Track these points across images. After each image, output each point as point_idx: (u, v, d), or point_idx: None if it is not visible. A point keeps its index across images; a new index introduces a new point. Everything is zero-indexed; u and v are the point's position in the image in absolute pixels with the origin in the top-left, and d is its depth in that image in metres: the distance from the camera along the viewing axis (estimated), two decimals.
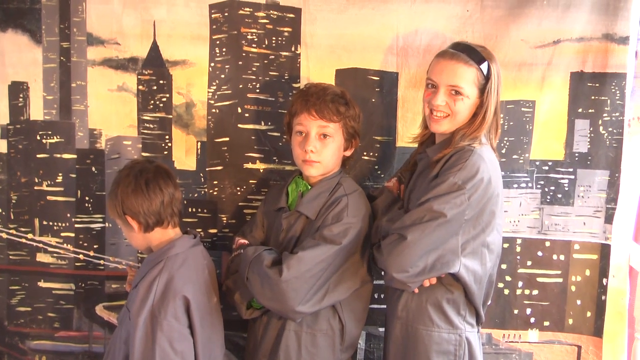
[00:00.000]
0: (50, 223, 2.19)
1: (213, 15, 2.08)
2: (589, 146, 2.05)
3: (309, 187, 1.85)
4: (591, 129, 2.04)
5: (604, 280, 2.08)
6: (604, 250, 2.08)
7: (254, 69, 2.09)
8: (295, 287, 1.67)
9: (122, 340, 1.69)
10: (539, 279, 2.11)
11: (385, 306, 1.92)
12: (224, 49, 2.09)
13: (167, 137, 2.14)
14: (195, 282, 1.71)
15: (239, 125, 2.11)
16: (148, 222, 1.70)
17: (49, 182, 2.18)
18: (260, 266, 1.71)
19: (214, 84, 2.11)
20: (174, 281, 1.66)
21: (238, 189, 2.13)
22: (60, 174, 2.17)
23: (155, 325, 1.61)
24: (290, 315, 1.73)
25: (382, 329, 2.10)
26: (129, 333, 1.65)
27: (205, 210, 2.15)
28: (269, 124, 2.11)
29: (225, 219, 2.15)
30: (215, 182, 2.13)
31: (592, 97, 2.03)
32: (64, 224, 2.19)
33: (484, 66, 1.67)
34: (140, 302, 1.63)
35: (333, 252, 1.71)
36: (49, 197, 2.18)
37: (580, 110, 2.04)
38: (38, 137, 2.17)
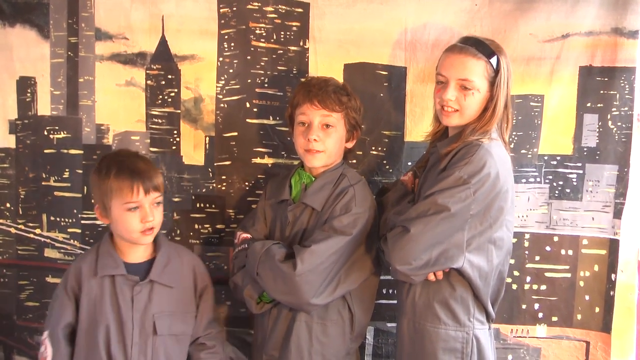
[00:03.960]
0: (58, 219, 2.19)
1: (221, 10, 2.08)
2: (597, 141, 2.04)
3: (313, 178, 1.85)
4: (600, 123, 2.04)
5: (613, 276, 2.07)
6: (613, 246, 2.07)
7: (263, 63, 2.09)
8: (309, 280, 1.67)
9: None
10: (547, 274, 2.10)
11: (394, 301, 1.91)
12: (233, 44, 2.09)
13: (175, 132, 2.14)
14: None
15: (247, 120, 2.11)
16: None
17: (56, 178, 2.17)
18: (272, 261, 1.70)
19: (223, 78, 2.11)
20: None
21: (246, 184, 2.13)
22: (67, 170, 2.17)
23: None
24: (304, 308, 1.73)
25: (390, 325, 2.10)
26: None
27: (213, 206, 2.14)
28: (277, 118, 2.10)
29: (233, 214, 2.14)
30: (224, 177, 2.12)
31: (601, 92, 2.02)
32: (70, 220, 2.18)
33: (494, 59, 1.67)
34: None
35: (344, 243, 1.71)
36: (56, 193, 2.18)
37: (589, 104, 2.04)
38: (45, 133, 2.16)
